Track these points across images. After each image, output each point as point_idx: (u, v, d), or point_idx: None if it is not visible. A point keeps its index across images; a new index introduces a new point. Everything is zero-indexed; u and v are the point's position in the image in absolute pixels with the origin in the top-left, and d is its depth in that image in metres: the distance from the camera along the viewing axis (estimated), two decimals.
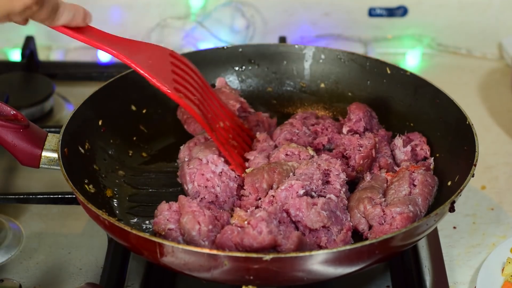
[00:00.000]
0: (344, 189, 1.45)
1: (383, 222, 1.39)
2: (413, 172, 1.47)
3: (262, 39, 2.15)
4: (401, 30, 2.18)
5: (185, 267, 1.26)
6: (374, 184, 1.47)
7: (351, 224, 1.41)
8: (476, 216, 1.62)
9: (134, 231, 1.25)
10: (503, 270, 1.44)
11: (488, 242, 1.56)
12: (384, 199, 1.43)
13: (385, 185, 1.48)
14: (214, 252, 1.22)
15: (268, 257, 1.19)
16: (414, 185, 1.44)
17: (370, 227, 1.41)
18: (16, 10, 1.25)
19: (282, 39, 2.10)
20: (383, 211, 1.39)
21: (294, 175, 1.45)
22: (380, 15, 2.14)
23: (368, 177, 1.50)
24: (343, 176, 1.46)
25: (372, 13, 2.15)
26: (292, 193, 1.39)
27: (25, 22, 1.30)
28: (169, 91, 1.39)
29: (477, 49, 2.18)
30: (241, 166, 1.51)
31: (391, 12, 2.14)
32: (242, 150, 1.55)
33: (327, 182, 1.45)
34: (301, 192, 1.39)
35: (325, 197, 1.41)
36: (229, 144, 1.52)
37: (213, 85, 1.75)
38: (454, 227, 1.59)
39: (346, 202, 1.44)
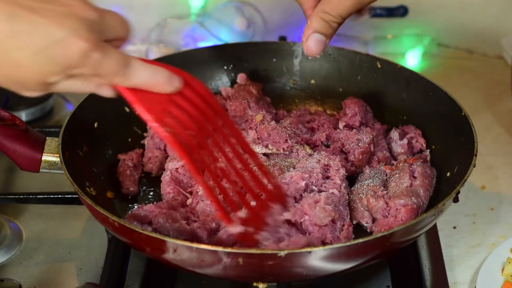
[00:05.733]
0: (344, 184, 1.45)
1: (387, 214, 1.39)
2: (412, 164, 1.47)
3: (262, 39, 2.15)
4: (401, 30, 2.18)
5: (196, 265, 1.25)
6: (374, 177, 1.48)
7: (353, 220, 1.42)
8: (476, 216, 1.62)
9: (145, 232, 1.24)
10: (503, 270, 1.44)
11: (488, 242, 1.55)
12: (386, 191, 1.43)
13: (385, 178, 1.48)
14: (229, 250, 1.21)
15: (282, 253, 1.20)
16: (415, 177, 1.45)
17: (373, 220, 1.42)
18: (75, 59, 1.03)
19: (282, 39, 2.11)
20: (387, 204, 1.39)
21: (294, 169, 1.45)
22: (380, 15, 2.14)
23: (367, 170, 1.51)
24: (342, 171, 1.46)
25: (372, 13, 2.15)
26: (294, 185, 1.39)
27: (87, 83, 1.08)
28: (152, 122, 1.16)
29: (477, 49, 2.18)
30: (231, 221, 1.25)
31: (391, 12, 2.14)
32: (246, 199, 1.30)
33: (327, 177, 1.45)
34: (302, 183, 1.39)
35: (326, 192, 1.42)
36: (226, 191, 1.27)
37: (234, 81, 1.75)
38: (454, 227, 1.59)
39: (347, 197, 1.44)
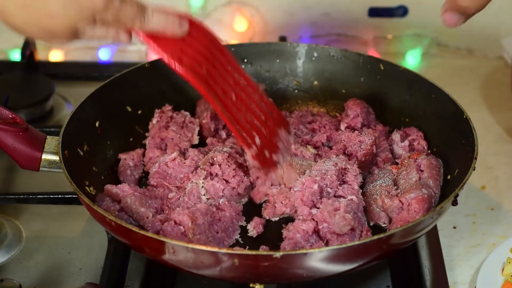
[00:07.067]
0: (361, 190, 1.45)
1: (401, 211, 1.40)
2: (417, 159, 1.48)
3: (262, 39, 2.15)
4: (401, 30, 2.18)
5: (193, 266, 1.26)
6: (384, 177, 1.48)
7: (370, 221, 1.43)
8: (476, 216, 1.62)
9: (142, 232, 1.24)
10: (503, 270, 1.44)
11: (488, 242, 1.55)
12: (398, 190, 1.44)
13: (394, 176, 1.48)
14: (224, 250, 1.22)
15: (278, 254, 1.20)
16: (422, 171, 1.46)
17: (390, 220, 1.42)
18: (99, 5, 1.18)
19: (282, 39, 2.10)
20: (401, 202, 1.40)
21: (309, 172, 1.45)
22: (380, 15, 2.14)
23: (375, 171, 1.51)
24: (360, 177, 1.46)
25: (372, 13, 2.14)
26: (308, 190, 1.40)
27: (109, 31, 1.22)
28: (169, 59, 1.31)
29: (477, 49, 2.18)
30: (249, 145, 1.40)
31: (391, 12, 2.14)
32: (256, 127, 1.44)
33: (344, 182, 1.45)
34: (315, 187, 1.39)
35: (345, 198, 1.41)
36: (240, 120, 1.41)
37: None
38: (454, 227, 1.59)
39: (364, 203, 1.44)
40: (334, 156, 1.50)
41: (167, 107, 1.66)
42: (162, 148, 1.60)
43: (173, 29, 1.29)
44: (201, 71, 1.34)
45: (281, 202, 1.44)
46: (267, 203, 1.47)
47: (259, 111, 1.45)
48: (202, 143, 1.63)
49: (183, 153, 1.57)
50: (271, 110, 1.49)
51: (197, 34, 1.36)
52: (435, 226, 1.50)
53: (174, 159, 1.50)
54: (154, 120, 1.64)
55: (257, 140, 1.42)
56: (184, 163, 1.51)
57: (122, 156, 1.58)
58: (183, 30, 1.31)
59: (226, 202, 1.44)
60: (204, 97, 1.34)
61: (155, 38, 1.29)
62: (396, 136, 1.59)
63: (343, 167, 1.45)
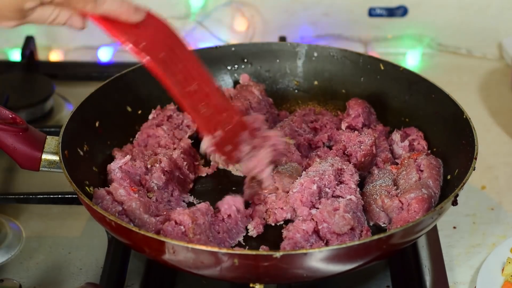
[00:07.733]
0: (358, 189, 1.45)
1: (401, 211, 1.40)
2: (417, 159, 1.48)
3: (262, 39, 2.15)
4: (401, 30, 2.18)
5: (193, 266, 1.26)
6: (384, 177, 1.48)
7: (369, 221, 1.43)
8: (476, 216, 1.62)
9: (142, 232, 1.25)
10: (503, 270, 1.44)
11: (488, 242, 1.56)
12: (398, 190, 1.44)
13: (394, 177, 1.49)
14: (224, 250, 1.22)
15: (278, 254, 1.20)
16: (421, 170, 1.46)
17: (390, 220, 1.42)
18: None
19: (282, 39, 2.11)
20: (401, 202, 1.40)
21: (306, 173, 1.45)
22: (380, 15, 2.15)
23: (375, 171, 1.51)
24: (356, 176, 1.46)
25: (372, 13, 2.15)
26: (307, 191, 1.40)
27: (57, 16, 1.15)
28: (128, 43, 1.25)
29: (477, 49, 2.18)
30: (210, 132, 1.38)
31: (391, 12, 2.14)
32: (216, 116, 1.40)
33: (341, 182, 1.45)
34: (314, 187, 1.39)
35: (343, 197, 1.41)
36: (201, 110, 1.37)
37: (237, 82, 1.75)
38: (454, 227, 1.59)
39: (362, 202, 1.44)
40: (330, 157, 1.51)
41: (171, 106, 1.65)
42: (146, 144, 1.60)
43: (127, 14, 1.23)
44: (160, 55, 1.29)
45: (281, 209, 1.44)
46: (269, 211, 1.46)
47: (222, 109, 1.41)
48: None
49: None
50: (235, 113, 1.44)
51: (156, 27, 1.31)
52: (435, 226, 1.50)
53: (126, 163, 1.49)
54: (150, 116, 1.64)
55: (219, 133, 1.39)
56: (135, 165, 1.49)
57: (117, 152, 1.57)
58: (138, 16, 1.25)
59: None
60: (163, 82, 1.29)
61: (109, 22, 1.23)
62: (396, 136, 1.59)
63: (339, 167, 1.46)
